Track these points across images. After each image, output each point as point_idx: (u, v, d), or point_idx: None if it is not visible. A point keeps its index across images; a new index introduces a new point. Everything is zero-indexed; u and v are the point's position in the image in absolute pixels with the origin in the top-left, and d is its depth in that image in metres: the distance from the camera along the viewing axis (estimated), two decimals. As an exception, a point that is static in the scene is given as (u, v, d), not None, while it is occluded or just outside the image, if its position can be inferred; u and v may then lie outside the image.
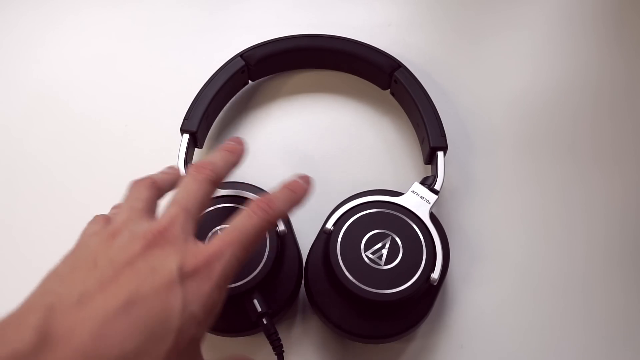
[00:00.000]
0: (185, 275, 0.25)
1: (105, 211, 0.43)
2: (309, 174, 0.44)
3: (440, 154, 0.40)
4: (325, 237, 0.37)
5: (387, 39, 0.49)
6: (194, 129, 0.41)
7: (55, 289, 0.25)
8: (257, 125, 0.47)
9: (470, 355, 0.39)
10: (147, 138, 0.46)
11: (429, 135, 0.41)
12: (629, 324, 0.40)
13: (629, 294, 0.40)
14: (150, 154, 0.45)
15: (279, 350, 0.35)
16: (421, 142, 0.44)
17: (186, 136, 0.41)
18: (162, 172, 0.34)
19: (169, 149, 0.42)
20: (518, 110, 0.47)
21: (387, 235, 0.36)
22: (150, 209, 0.30)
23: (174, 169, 0.35)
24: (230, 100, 0.47)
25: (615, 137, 0.46)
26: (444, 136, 0.41)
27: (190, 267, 0.25)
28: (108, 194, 0.44)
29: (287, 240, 0.38)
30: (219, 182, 0.32)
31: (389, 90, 0.46)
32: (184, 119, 0.42)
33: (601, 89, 0.48)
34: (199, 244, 0.27)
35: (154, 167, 0.44)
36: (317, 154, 0.45)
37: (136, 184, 0.32)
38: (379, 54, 0.45)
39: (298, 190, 0.32)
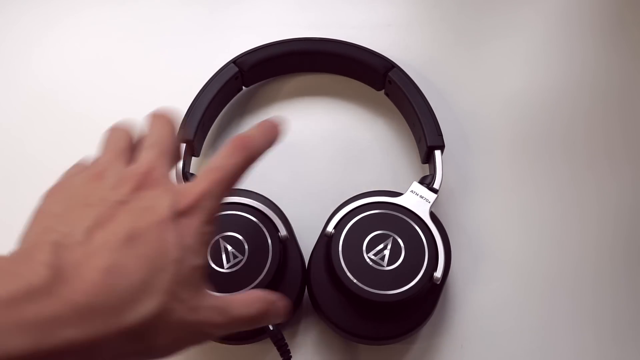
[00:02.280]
0: (177, 213, 0.26)
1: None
2: (307, 177, 0.44)
3: (437, 152, 0.40)
4: (326, 241, 0.37)
5: (386, 39, 0.49)
6: (190, 137, 0.41)
7: (55, 227, 0.25)
8: (253, 131, 0.46)
9: (471, 355, 0.39)
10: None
11: (426, 134, 0.41)
12: (629, 324, 0.40)
13: (630, 293, 0.41)
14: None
15: (286, 356, 0.35)
16: (418, 141, 0.44)
17: (183, 145, 0.41)
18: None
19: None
20: (516, 110, 0.47)
21: (388, 236, 0.36)
22: (130, 150, 0.31)
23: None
24: (226, 107, 0.47)
25: (613, 137, 0.46)
26: (441, 135, 0.41)
27: (182, 206, 0.27)
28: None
29: (289, 245, 0.38)
30: (177, 124, 0.33)
31: (383, 91, 0.46)
32: (180, 127, 0.41)
33: (599, 90, 0.48)
34: (186, 184, 0.29)
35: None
36: (314, 157, 0.45)
37: (111, 130, 0.32)
38: (372, 55, 0.45)
39: (272, 128, 0.32)
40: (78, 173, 0.29)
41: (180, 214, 0.26)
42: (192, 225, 0.27)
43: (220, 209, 0.30)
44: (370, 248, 0.36)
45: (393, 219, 0.37)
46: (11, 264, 0.23)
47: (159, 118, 0.32)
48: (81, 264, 0.23)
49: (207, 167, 0.29)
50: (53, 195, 0.29)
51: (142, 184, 0.27)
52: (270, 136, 0.32)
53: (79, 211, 0.26)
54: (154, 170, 0.28)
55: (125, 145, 0.31)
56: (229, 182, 0.29)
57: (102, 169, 0.29)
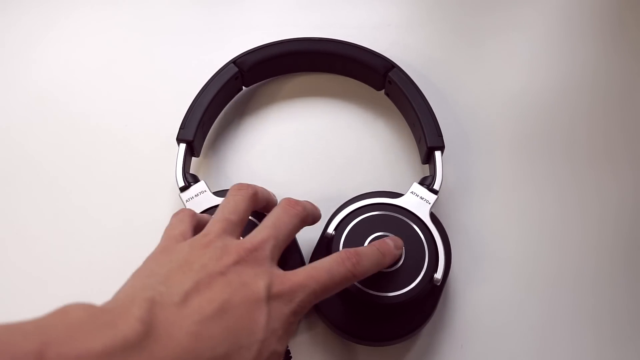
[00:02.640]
0: (271, 296, 0.27)
1: (105, 211, 0.43)
2: (307, 177, 0.44)
3: (437, 153, 0.40)
4: (326, 242, 0.37)
5: (386, 39, 0.49)
6: (191, 138, 0.41)
7: (154, 285, 0.26)
8: (253, 131, 0.46)
9: (471, 355, 0.39)
10: (147, 138, 0.47)
11: (426, 135, 0.41)
12: (630, 324, 0.40)
13: (630, 293, 0.41)
14: (149, 153, 0.46)
15: (286, 356, 0.35)
16: (418, 142, 0.44)
17: (183, 145, 0.41)
18: (262, 188, 0.36)
19: (168, 149, 0.42)
20: (516, 110, 0.47)
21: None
22: (243, 222, 0.32)
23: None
24: (226, 107, 0.47)
25: (613, 137, 0.46)
26: (441, 135, 0.41)
27: (277, 290, 0.27)
28: (107, 194, 0.44)
29: (289, 246, 0.37)
30: (305, 223, 0.34)
31: (383, 91, 0.46)
32: (180, 128, 0.41)
33: (599, 89, 0.48)
34: (286, 272, 0.29)
35: (154, 167, 0.45)
36: (314, 157, 0.45)
37: (238, 190, 0.33)
38: (372, 55, 0.45)
39: (387, 254, 0.33)
40: (190, 242, 0.30)
41: (273, 297, 0.27)
42: (283, 312, 0.27)
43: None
44: (370, 249, 0.36)
45: (393, 221, 0.37)
46: (107, 314, 0.24)
47: (292, 205, 0.33)
48: (173, 325, 0.24)
49: (316, 263, 0.30)
50: (158, 256, 0.30)
51: (244, 259, 0.28)
52: (383, 262, 0.33)
53: (180, 274, 0.27)
54: (260, 249, 0.29)
55: (239, 218, 0.32)
56: (327, 287, 0.29)
57: (211, 239, 0.29)
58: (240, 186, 0.34)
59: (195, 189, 0.39)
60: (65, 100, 0.49)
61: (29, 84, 0.50)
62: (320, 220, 0.38)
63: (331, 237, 0.37)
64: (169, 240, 0.31)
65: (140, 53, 0.51)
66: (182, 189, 0.39)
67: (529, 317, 0.40)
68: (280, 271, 0.29)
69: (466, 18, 0.52)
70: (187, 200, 0.39)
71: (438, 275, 0.35)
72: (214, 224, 0.31)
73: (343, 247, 0.36)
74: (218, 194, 0.39)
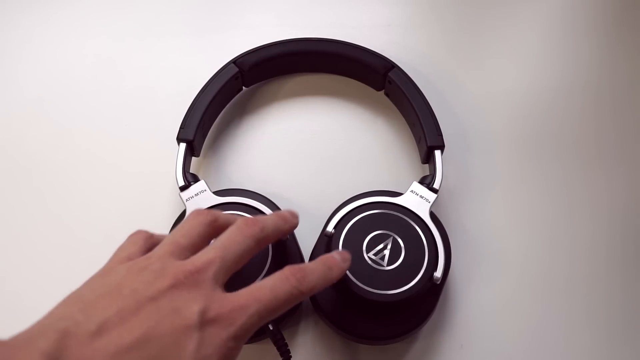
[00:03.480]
0: (206, 321, 0.25)
1: (105, 211, 0.43)
2: (307, 177, 0.44)
3: (437, 152, 0.40)
4: (326, 240, 0.37)
5: (386, 39, 0.49)
6: (191, 138, 0.41)
7: (73, 315, 0.24)
8: (253, 131, 0.47)
9: (471, 355, 0.39)
10: (147, 138, 0.47)
11: (426, 134, 0.41)
12: (630, 324, 0.40)
13: (630, 293, 0.41)
14: (149, 153, 0.46)
15: (286, 355, 0.34)
16: (418, 141, 0.44)
17: (183, 145, 0.41)
18: (226, 214, 0.33)
19: (169, 149, 0.42)
20: (517, 110, 0.47)
21: (388, 236, 0.36)
22: (195, 247, 0.29)
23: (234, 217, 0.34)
24: (226, 107, 0.47)
25: (614, 136, 0.46)
26: (441, 135, 0.41)
27: (213, 314, 0.26)
28: (107, 194, 0.44)
29: (289, 244, 0.38)
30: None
31: (383, 91, 0.46)
32: (180, 127, 0.42)
33: (600, 88, 0.48)
34: (227, 294, 0.27)
35: (154, 167, 0.45)
36: (314, 157, 0.45)
37: (195, 215, 0.31)
38: (372, 56, 0.45)
39: (334, 268, 0.31)
40: (129, 262, 0.28)
41: (208, 322, 0.25)
42: (219, 337, 0.25)
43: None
44: (370, 248, 0.36)
45: (393, 219, 0.37)
46: (8, 349, 0.22)
47: (248, 225, 0.30)
48: (84, 358, 0.23)
49: (260, 283, 0.28)
50: (94, 279, 0.27)
51: (182, 282, 0.26)
52: (330, 276, 0.31)
53: (107, 300, 0.25)
54: (202, 271, 0.27)
55: (190, 242, 0.29)
56: (271, 307, 0.27)
57: (151, 262, 0.27)
58: (199, 212, 0.31)
59: (195, 188, 0.39)
60: (65, 100, 0.49)
61: (28, 83, 0.50)
62: (320, 218, 0.38)
63: (330, 235, 0.37)
64: (112, 263, 0.29)
65: (140, 53, 0.51)
66: (182, 189, 0.39)
67: (528, 317, 0.40)
68: (222, 294, 0.27)
69: (466, 18, 0.52)
70: (187, 200, 0.39)
71: (438, 273, 0.35)
72: (161, 246, 0.29)
73: (343, 246, 0.36)
74: (218, 193, 0.39)
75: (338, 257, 0.32)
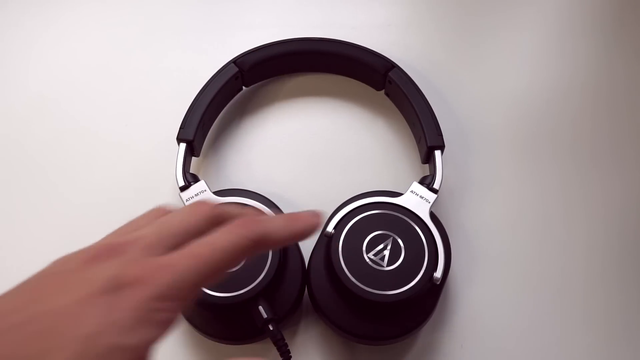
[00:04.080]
0: (119, 285, 0.22)
1: (105, 211, 0.43)
2: (307, 177, 0.44)
3: (437, 152, 0.40)
4: (326, 241, 0.37)
5: (386, 39, 0.49)
6: (191, 138, 0.41)
7: None
8: (253, 131, 0.47)
9: (471, 354, 0.39)
10: (147, 138, 0.47)
11: (426, 134, 0.41)
12: (628, 324, 0.40)
13: (628, 293, 0.41)
14: (149, 153, 0.46)
15: (286, 356, 0.35)
16: (418, 141, 0.44)
17: (183, 145, 0.41)
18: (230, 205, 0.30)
19: (168, 149, 0.42)
20: (516, 110, 0.47)
21: (388, 236, 0.36)
22: (166, 245, 0.25)
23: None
24: (226, 107, 0.47)
25: (613, 137, 0.46)
26: (441, 135, 0.41)
27: (130, 277, 0.23)
28: (107, 194, 0.44)
29: (289, 245, 0.38)
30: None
31: (383, 91, 0.46)
32: (180, 127, 0.42)
33: (599, 89, 0.48)
34: (157, 257, 0.24)
35: (154, 167, 0.45)
36: (314, 157, 0.45)
37: (156, 208, 0.28)
38: (372, 55, 0.45)
39: (300, 221, 0.28)
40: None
41: (124, 286, 0.22)
42: (132, 299, 0.22)
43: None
44: (370, 248, 0.36)
45: (393, 219, 0.37)
46: None
47: (199, 205, 0.27)
48: None
49: (201, 240, 0.25)
50: (45, 270, 0.25)
51: (107, 254, 0.24)
52: (294, 227, 0.27)
53: (31, 281, 0.24)
54: (135, 242, 0.24)
55: (160, 237, 0.25)
56: (213, 261, 0.24)
57: (98, 244, 0.25)
58: (201, 203, 0.28)
59: (195, 188, 0.39)
60: (65, 100, 0.49)
61: (28, 83, 0.50)
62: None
63: (330, 235, 0.37)
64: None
65: (140, 52, 0.51)
66: (182, 189, 0.39)
67: (528, 317, 0.40)
68: (149, 258, 0.24)
69: (466, 18, 0.52)
70: (187, 200, 0.39)
71: (438, 274, 0.35)
72: (119, 228, 0.27)
73: (342, 246, 0.36)
74: (218, 193, 0.39)
75: (307, 212, 0.29)
